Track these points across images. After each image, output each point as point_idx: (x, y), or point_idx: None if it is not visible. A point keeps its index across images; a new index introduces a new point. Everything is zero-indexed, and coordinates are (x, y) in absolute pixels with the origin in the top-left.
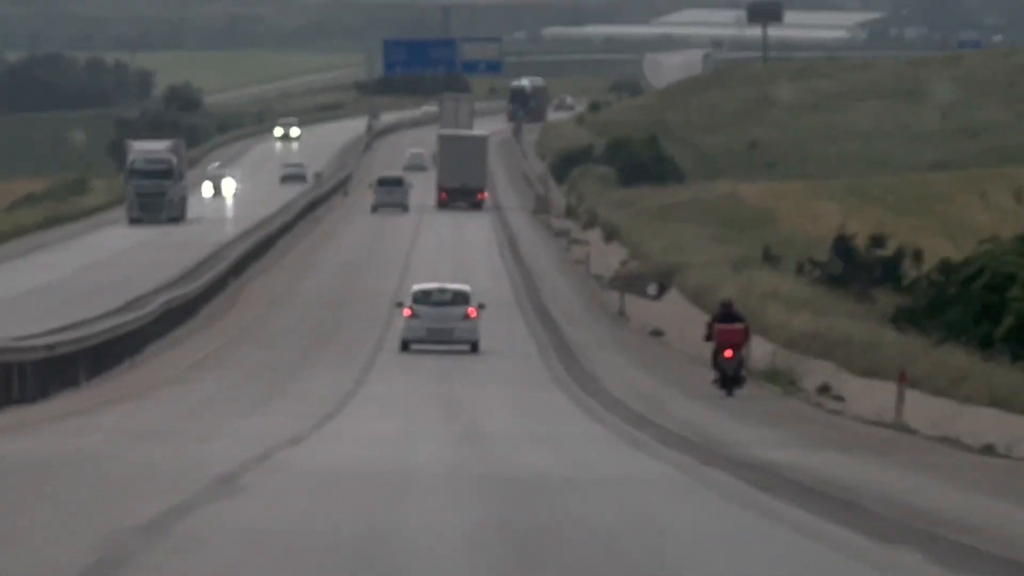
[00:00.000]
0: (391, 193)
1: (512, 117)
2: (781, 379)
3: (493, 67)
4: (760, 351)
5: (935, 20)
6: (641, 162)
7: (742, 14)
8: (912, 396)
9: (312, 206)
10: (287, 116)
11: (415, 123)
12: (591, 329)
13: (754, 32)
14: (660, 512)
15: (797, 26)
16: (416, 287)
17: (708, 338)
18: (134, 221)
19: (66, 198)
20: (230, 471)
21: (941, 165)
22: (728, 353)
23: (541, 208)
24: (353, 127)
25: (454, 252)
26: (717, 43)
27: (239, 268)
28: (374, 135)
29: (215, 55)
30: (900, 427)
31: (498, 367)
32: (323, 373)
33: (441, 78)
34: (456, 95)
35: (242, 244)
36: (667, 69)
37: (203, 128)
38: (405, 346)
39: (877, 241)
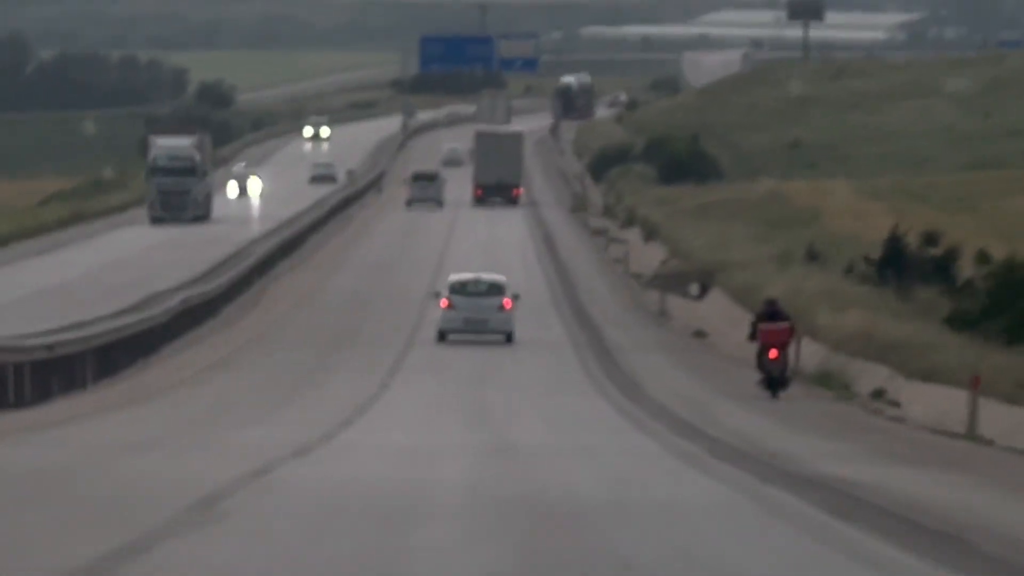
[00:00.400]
0: (425, 189)
1: (558, 115)
2: (833, 383)
3: (530, 64)
4: (809, 353)
5: (974, 20)
6: (681, 160)
7: (781, 14)
8: (978, 403)
9: (345, 204)
10: (318, 115)
11: (451, 121)
12: (631, 330)
13: (793, 33)
14: (723, 549)
15: (836, 27)
16: (452, 277)
17: (752, 338)
18: (156, 220)
19: (93, 196)
20: (214, 492)
21: (983, 165)
22: (773, 353)
23: (578, 206)
24: (388, 125)
25: (489, 250)
26: (756, 43)
27: (265, 266)
28: (410, 133)
29: (250, 54)
30: (973, 438)
31: (533, 370)
32: (346, 376)
33: (478, 76)
34: (493, 91)
35: (268, 241)
36: (706, 68)
37: (236, 125)
38: (442, 336)
39: (930, 239)
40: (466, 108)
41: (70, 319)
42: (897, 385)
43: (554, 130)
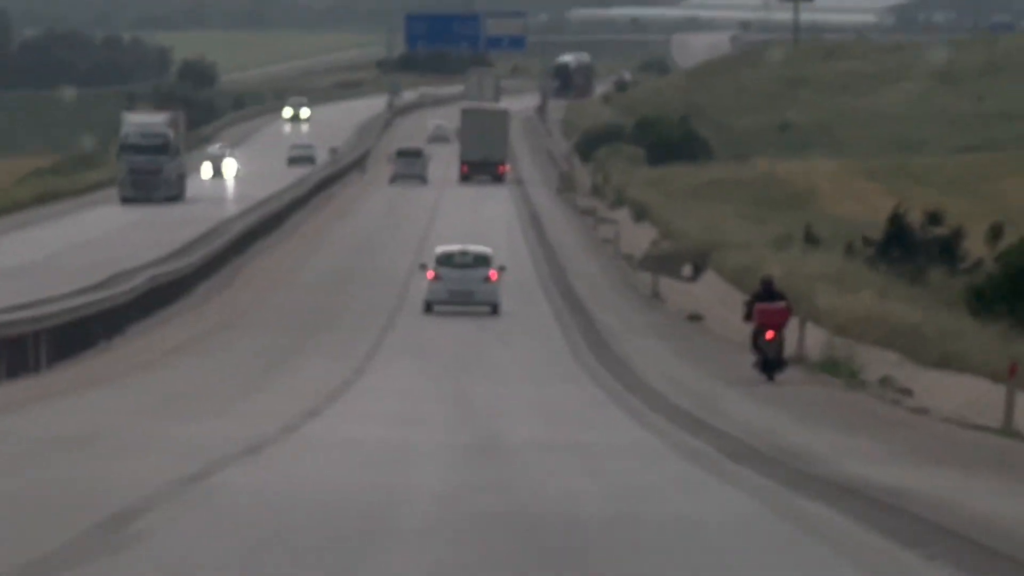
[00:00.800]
0: (410, 165)
1: (557, 94)
2: (841, 369)
3: (517, 43)
4: (811, 337)
5: (963, 3)
6: (671, 141)
7: None
8: (998, 392)
9: (327, 182)
10: (297, 96)
11: (437, 101)
12: (622, 313)
13: (781, 15)
14: None
15: (825, 9)
16: (439, 249)
17: (747, 318)
18: (127, 200)
19: (70, 173)
20: (133, 505)
21: (977, 148)
22: (769, 334)
23: (566, 186)
24: (374, 105)
25: (474, 229)
26: (745, 25)
27: (241, 245)
28: (395, 112)
29: (236, 35)
30: (1012, 434)
31: (520, 355)
32: (319, 361)
33: (465, 56)
34: (481, 70)
35: (245, 219)
36: (695, 50)
37: (218, 104)
38: (428, 307)
39: (934, 219)
40: (441, 89)
41: (25, 299)
42: (907, 372)
43: (541, 110)
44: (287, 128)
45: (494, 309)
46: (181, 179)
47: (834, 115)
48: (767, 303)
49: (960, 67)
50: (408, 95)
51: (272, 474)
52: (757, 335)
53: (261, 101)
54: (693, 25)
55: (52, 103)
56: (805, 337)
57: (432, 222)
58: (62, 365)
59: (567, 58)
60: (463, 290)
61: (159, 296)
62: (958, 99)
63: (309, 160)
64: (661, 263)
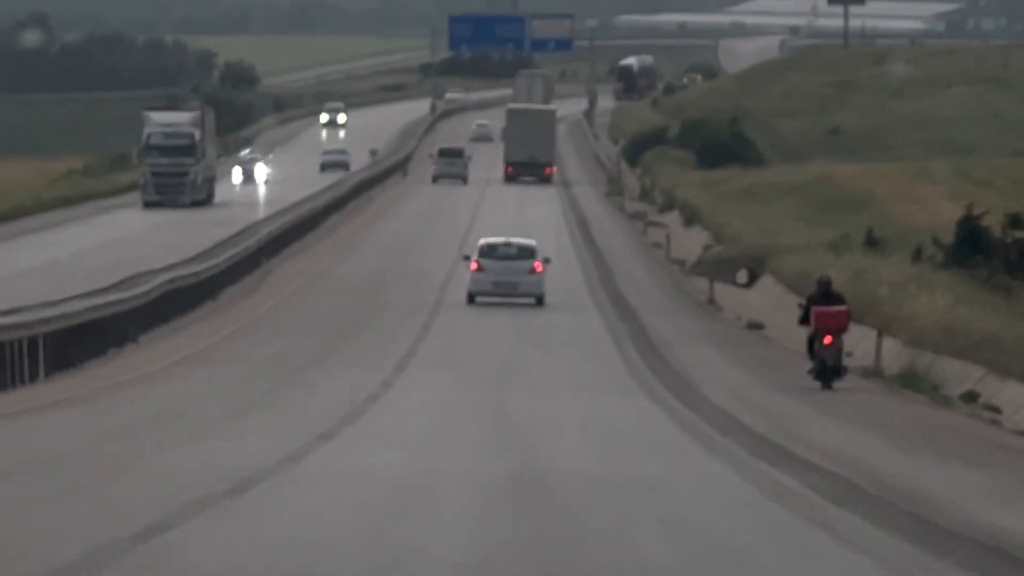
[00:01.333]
0: (452, 164)
1: (619, 96)
2: (923, 384)
3: (564, 45)
4: (883, 350)
5: (1014, 11)
6: (720, 143)
7: (818, 2)
8: None
9: (366, 185)
10: (333, 101)
11: (482, 104)
12: (676, 320)
13: (827, 22)
14: None
15: (873, 15)
16: (483, 241)
17: (803, 322)
18: (149, 205)
19: (102, 176)
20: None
21: None
22: (828, 339)
23: (614, 190)
24: (416, 108)
25: (519, 232)
26: (794, 30)
27: (272, 248)
28: (438, 116)
29: (280, 39)
30: None
31: (567, 365)
32: (342, 372)
33: (508, 60)
34: (531, 72)
35: (277, 220)
36: (742, 55)
37: (259, 107)
38: (471, 299)
39: (1015, 221)
40: (485, 93)
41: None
42: (992, 387)
43: (588, 114)
44: (324, 134)
45: (539, 300)
46: (209, 182)
47: (885, 119)
48: (825, 306)
49: (1014, 71)
50: (451, 97)
51: (237, 534)
52: (814, 340)
53: (302, 104)
54: (739, 31)
55: (93, 106)
56: (881, 348)
57: (473, 224)
58: (65, 374)
59: (630, 60)
60: (507, 281)
61: (178, 301)
62: (1012, 103)
63: (342, 166)
64: (714, 268)
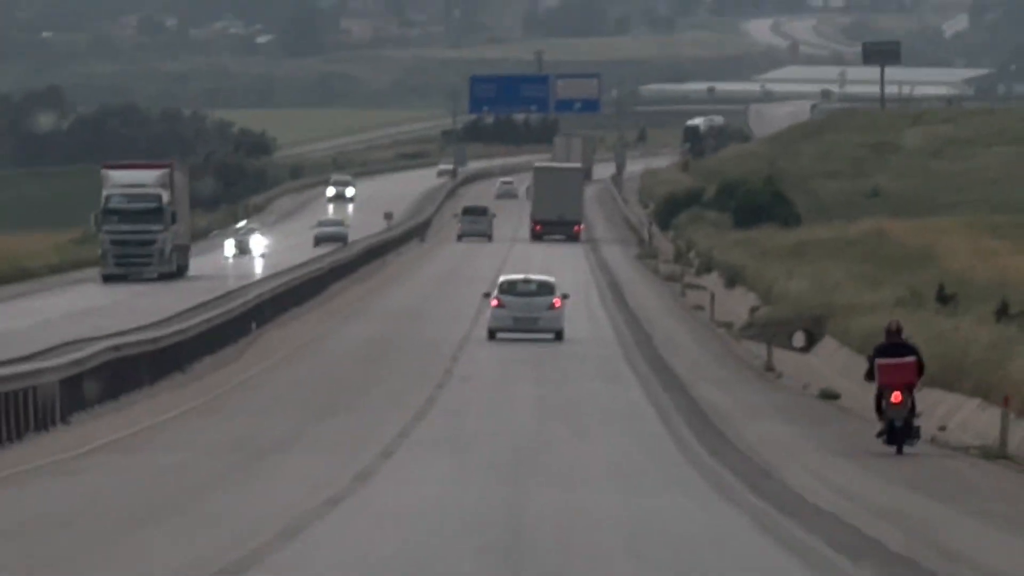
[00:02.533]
0: (476, 222)
1: (686, 157)
2: None
3: (591, 106)
4: (979, 418)
5: None
6: (758, 204)
7: (846, 70)
8: None
9: (379, 250)
10: (341, 173)
11: (506, 170)
12: (732, 390)
13: (857, 89)
14: None
15: (903, 82)
16: (502, 278)
17: (869, 377)
18: (110, 279)
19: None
20: None
21: None
22: (896, 396)
23: (646, 252)
24: (436, 176)
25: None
26: (825, 93)
27: (267, 313)
28: (459, 181)
29: (302, 112)
30: None
31: (604, 448)
32: (309, 461)
33: (533, 126)
34: (569, 134)
35: (269, 284)
36: (773, 119)
37: (273, 175)
38: (492, 335)
39: None
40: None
41: None
42: None
43: (616, 178)
44: (331, 209)
45: (558, 335)
46: (181, 252)
47: (926, 180)
48: (892, 358)
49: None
50: (482, 164)
51: None
52: (881, 397)
53: (318, 172)
54: (768, 99)
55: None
56: (1008, 424)
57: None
58: None
59: (697, 121)
60: (527, 316)
61: (128, 372)
62: None
63: (339, 239)
64: (766, 331)
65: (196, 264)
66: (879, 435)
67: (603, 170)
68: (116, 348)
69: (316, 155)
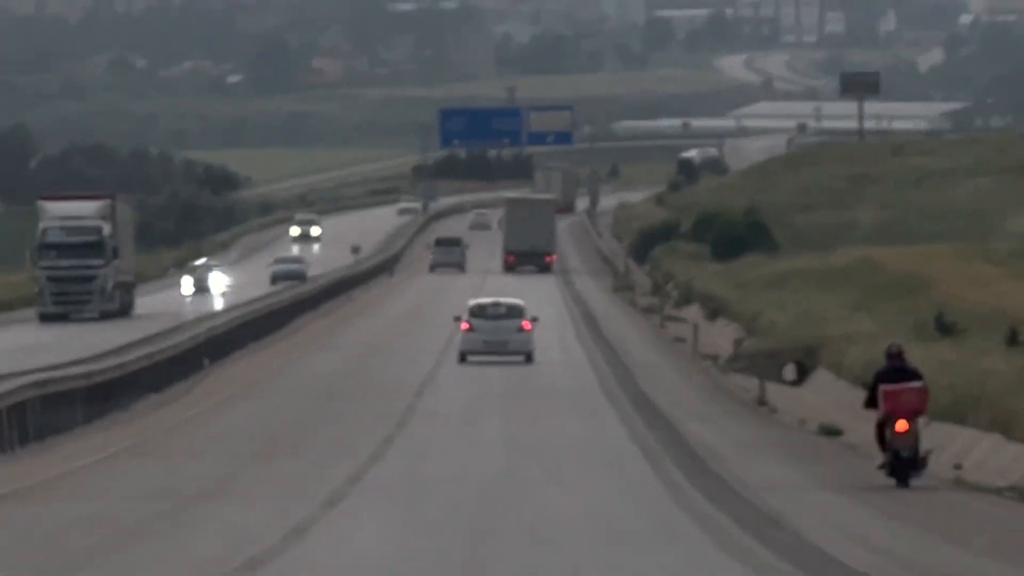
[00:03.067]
0: (448, 253)
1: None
2: None
3: (564, 138)
4: (1000, 455)
5: (1021, 109)
6: (738, 235)
7: (821, 105)
8: None
9: (344, 284)
10: (305, 213)
11: (478, 206)
12: (723, 426)
13: (833, 124)
14: None
15: (879, 116)
16: (472, 302)
17: (869, 404)
18: (47, 318)
19: None
20: None
21: None
22: (901, 425)
23: (622, 285)
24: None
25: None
26: (801, 127)
27: (220, 348)
28: (430, 217)
29: (273, 152)
30: None
31: (584, 495)
32: (244, 509)
33: (507, 160)
34: (550, 167)
35: (223, 317)
36: (750, 153)
37: (241, 212)
38: (463, 358)
39: None
40: (481, 195)
41: None
42: None
43: (590, 212)
44: (295, 249)
45: (528, 357)
46: (125, 289)
47: (907, 211)
48: (895, 384)
49: None
50: (454, 200)
51: None
52: (884, 426)
53: (288, 209)
54: (743, 133)
55: None
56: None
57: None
58: None
59: (691, 153)
60: (497, 340)
61: (53, 411)
62: None
63: (297, 277)
64: (755, 364)
65: (151, 303)
66: (881, 467)
67: (578, 204)
68: (41, 384)
69: (285, 193)
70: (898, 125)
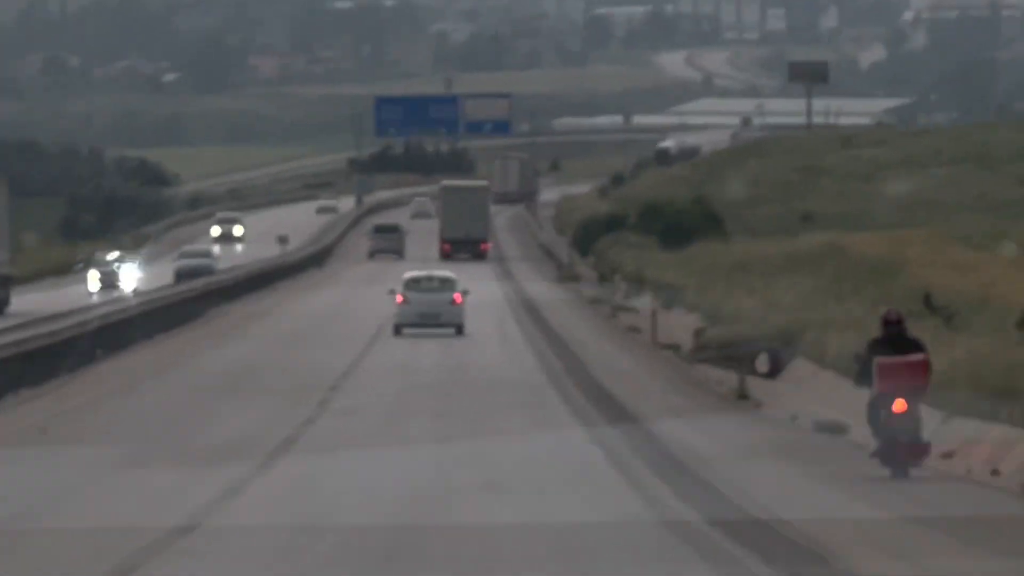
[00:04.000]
0: (388, 239)
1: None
2: None
3: (501, 128)
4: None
5: (966, 104)
6: (687, 224)
7: (764, 101)
8: None
9: (270, 275)
10: (226, 212)
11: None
12: (704, 424)
13: (777, 119)
14: None
15: (824, 112)
16: (407, 275)
17: (862, 380)
18: None
19: None
20: None
21: None
22: (899, 405)
23: (567, 275)
24: (342, 205)
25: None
26: (746, 121)
27: (114, 338)
28: (364, 211)
29: (207, 149)
30: None
31: (539, 518)
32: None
33: (444, 153)
34: (506, 154)
35: (119, 304)
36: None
37: (169, 206)
38: (397, 330)
39: None
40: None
41: None
42: None
43: (530, 205)
44: (216, 249)
45: (459, 330)
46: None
47: (861, 203)
48: (891, 356)
49: (994, 149)
50: (391, 194)
51: None
52: (877, 405)
53: (220, 205)
54: (684, 129)
55: None
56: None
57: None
58: None
59: (668, 143)
60: (431, 312)
61: None
62: (994, 182)
63: (204, 272)
64: (725, 354)
65: (47, 300)
66: (875, 454)
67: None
68: None
69: (218, 189)
70: (844, 121)
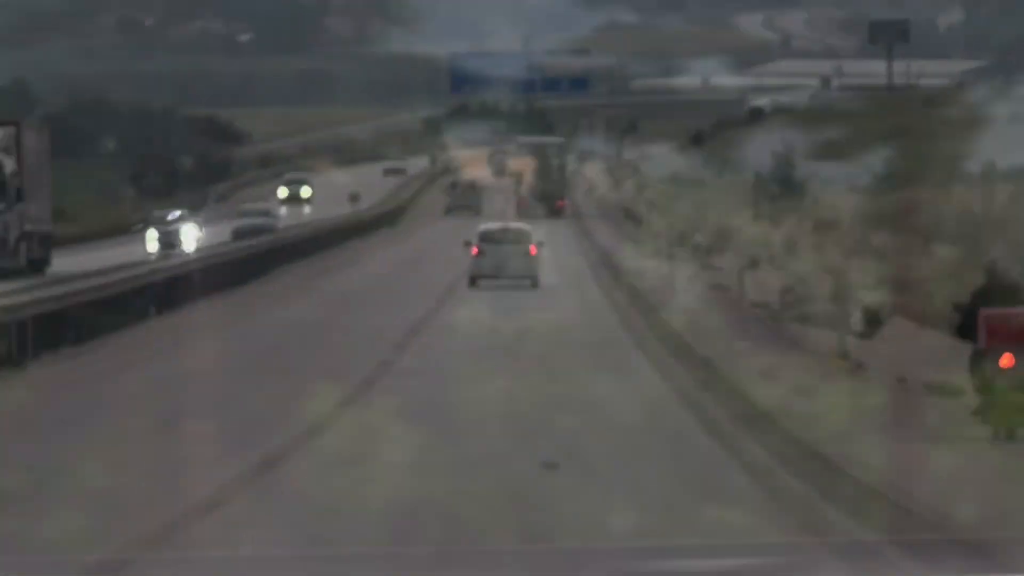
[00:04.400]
0: (465, 196)
1: None
2: None
3: (579, 85)
4: None
5: None
6: (772, 180)
7: (840, 64)
8: None
9: (341, 233)
10: (296, 172)
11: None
12: (807, 389)
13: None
14: None
15: (902, 75)
16: (482, 227)
17: (963, 333)
18: None
19: None
20: None
21: None
22: (1006, 360)
23: (644, 234)
24: (416, 164)
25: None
26: (824, 81)
27: (174, 296)
28: (440, 169)
29: (281, 109)
30: None
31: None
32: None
33: (520, 112)
34: (503, 148)
35: (177, 260)
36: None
37: (241, 165)
38: (473, 281)
39: None
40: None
41: None
42: None
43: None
44: (283, 211)
45: (533, 282)
46: (37, 241)
47: (939, 163)
48: (1002, 308)
49: None
50: (392, 166)
51: None
52: (980, 361)
53: (291, 164)
54: (762, 90)
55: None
56: None
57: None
58: None
59: (762, 102)
60: (506, 263)
61: None
62: None
63: (265, 231)
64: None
65: (102, 260)
66: (977, 413)
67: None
68: None
69: (292, 147)
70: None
